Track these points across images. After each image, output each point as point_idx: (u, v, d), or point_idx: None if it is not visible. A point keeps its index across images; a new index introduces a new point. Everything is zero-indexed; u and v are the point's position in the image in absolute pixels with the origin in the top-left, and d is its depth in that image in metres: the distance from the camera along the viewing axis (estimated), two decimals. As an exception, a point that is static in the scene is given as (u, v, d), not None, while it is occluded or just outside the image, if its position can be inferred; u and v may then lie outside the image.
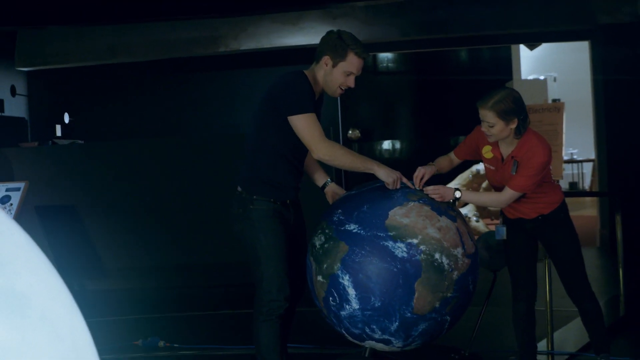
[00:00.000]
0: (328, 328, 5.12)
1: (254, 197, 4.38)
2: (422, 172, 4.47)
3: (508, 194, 4.44)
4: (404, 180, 4.33)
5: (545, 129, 14.16)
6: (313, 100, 4.34)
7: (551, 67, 17.85)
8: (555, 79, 17.87)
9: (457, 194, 4.40)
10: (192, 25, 9.80)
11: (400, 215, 4.16)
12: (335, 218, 4.27)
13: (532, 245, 4.73)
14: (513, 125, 4.36)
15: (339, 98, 10.32)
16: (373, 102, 18.13)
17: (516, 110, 4.36)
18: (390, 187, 4.27)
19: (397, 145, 18.46)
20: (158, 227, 8.43)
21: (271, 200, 4.39)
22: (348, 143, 13.56)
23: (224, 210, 4.87)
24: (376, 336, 4.24)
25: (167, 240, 8.43)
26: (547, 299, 5.32)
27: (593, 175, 16.17)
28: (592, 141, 15.40)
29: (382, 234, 4.11)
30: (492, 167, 4.62)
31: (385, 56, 17.89)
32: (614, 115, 9.64)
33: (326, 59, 4.34)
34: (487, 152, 4.62)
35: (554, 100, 16.57)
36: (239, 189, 4.47)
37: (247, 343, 5.46)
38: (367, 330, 4.21)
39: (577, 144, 16.97)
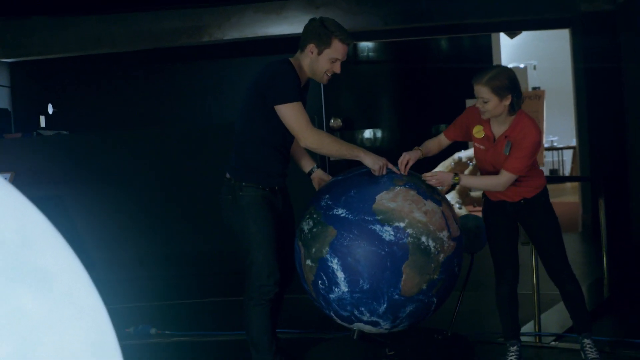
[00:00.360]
0: (315, 313, 5.22)
1: (243, 183, 4.44)
2: (407, 158, 4.55)
3: (505, 177, 4.51)
4: (390, 166, 4.39)
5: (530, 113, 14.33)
6: (299, 89, 4.39)
7: (531, 55, 17.93)
8: (535, 67, 17.95)
9: (457, 179, 4.52)
10: (176, 15, 9.78)
11: (387, 199, 4.23)
12: (323, 203, 4.33)
13: (512, 227, 4.80)
14: (507, 102, 4.44)
15: (321, 87, 10.40)
16: (354, 91, 18.17)
17: (510, 87, 4.43)
18: (376, 173, 4.34)
19: (379, 134, 18.51)
20: (145, 217, 8.45)
21: (260, 187, 4.45)
22: (330, 132, 13.58)
23: (213, 199, 4.91)
24: (364, 318, 4.30)
25: (154, 230, 8.45)
26: (534, 282, 5.41)
27: (573, 162, 16.28)
28: (572, 128, 15.55)
29: (369, 218, 4.18)
30: (482, 147, 4.68)
31: (366, 45, 17.93)
32: (594, 103, 9.72)
33: (311, 47, 4.40)
34: (478, 131, 4.68)
35: (534, 88, 16.66)
36: (228, 175, 4.53)
37: (237, 329, 5.53)
38: (356, 312, 4.28)
39: (557, 132, 17.06)
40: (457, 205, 12.34)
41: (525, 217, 4.75)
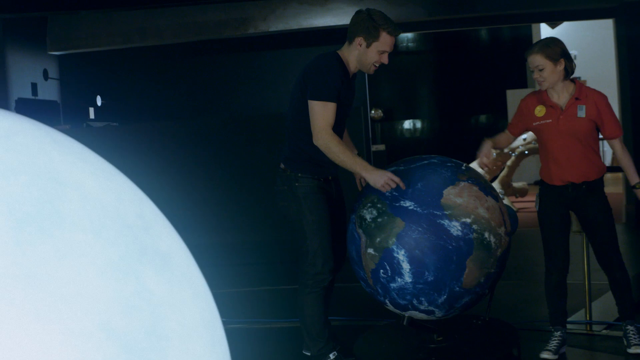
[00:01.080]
0: (363, 300, 5.32)
1: (299, 174, 4.53)
2: (484, 154, 4.86)
3: (618, 142, 4.76)
4: (396, 179, 4.31)
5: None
6: (339, 88, 4.43)
7: (571, 45, 17.77)
8: (575, 57, 17.88)
9: (633, 184, 4.78)
10: (221, 8, 9.89)
11: (453, 194, 4.31)
12: (387, 194, 4.38)
13: (566, 216, 4.88)
14: (561, 67, 4.63)
15: (366, 79, 10.47)
16: (394, 82, 18.22)
17: (561, 52, 4.64)
18: (382, 190, 4.35)
19: (418, 124, 18.55)
20: (198, 207, 8.56)
21: (315, 177, 4.53)
22: (372, 122, 13.61)
23: (266, 189, 5.00)
24: (422, 307, 4.39)
25: (208, 219, 8.56)
26: (585, 271, 5.46)
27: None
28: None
29: (438, 213, 4.26)
30: (549, 121, 4.76)
31: (405, 36, 17.96)
32: (639, 92, 9.71)
33: (359, 40, 4.48)
34: (540, 111, 4.82)
35: (575, 78, 16.59)
36: (282, 166, 4.61)
37: (291, 317, 5.65)
38: (415, 301, 4.35)
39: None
40: (500, 196, 12.35)
41: (582, 202, 4.80)
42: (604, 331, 5.21)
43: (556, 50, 4.64)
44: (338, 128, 4.50)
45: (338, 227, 4.66)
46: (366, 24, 4.48)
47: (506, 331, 4.96)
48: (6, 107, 9.25)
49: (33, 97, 10.14)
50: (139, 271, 1.33)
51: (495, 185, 12.51)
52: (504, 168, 12.81)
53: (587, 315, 5.43)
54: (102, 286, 1.24)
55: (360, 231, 4.46)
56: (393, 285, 4.37)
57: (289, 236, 4.81)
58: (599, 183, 4.80)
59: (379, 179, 4.30)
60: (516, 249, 7.82)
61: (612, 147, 4.78)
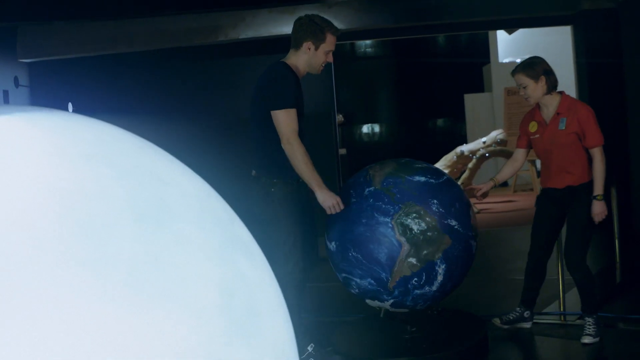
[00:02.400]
0: (332, 298, 5.57)
1: (274, 180, 4.74)
2: (480, 188, 5.41)
3: (597, 152, 5.13)
4: (341, 206, 4.66)
5: (524, 111, 14.56)
6: (296, 93, 4.73)
7: (526, 50, 18.22)
8: (530, 62, 18.24)
9: (597, 194, 5.11)
10: (192, 16, 10.01)
11: (472, 216, 4.84)
12: (434, 208, 4.62)
13: (557, 217, 5.35)
14: (542, 83, 5.14)
15: (333, 85, 10.69)
16: (354, 88, 18.48)
17: (541, 70, 5.15)
18: (327, 210, 4.68)
19: (377, 128, 18.84)
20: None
21: (289, 182, 4.74)
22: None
23: (239, 194, 5.18)
24: (417, 307, 4.81)
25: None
26: (559, 266, 5.84)
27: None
28: (569, 122, 15.81)
29: (470, 234, 4.71)
30: (537, 136, 5.28)
31: (364, 42, 18.25)
32: (596, 97, 10.03)
33: (308, 45, 4.77)
34: (532, 126, 5.35)
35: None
36: (254, 173, 4.82)
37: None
38: (421, 303, 4.76)
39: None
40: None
41: (567, 204, 5.23)
42: (578, 321, 5.54)
43: (537, 69, 5.15)
44: (301, 125, 4.76)
45: (307, 229, 4.92)
46: (312, 29, 4.77)
47: (474, 322, 5.36)
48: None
49: (5, 105, 10.18)
50: (234, 257, 1.55)
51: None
52: (464, 170, 13.13)
53: (561, 307, 5.79)
54: (209, 269, 1.46)
55: (403, 239, 4.60)
56: (417, 292, 4.65)
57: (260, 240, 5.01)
58: (584, 188, 5.17)
59: (329, 200, 4.63)
60: (483, 248, 8.16)
61: (592, 155, 5.15)
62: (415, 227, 4.59)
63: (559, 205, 5.27)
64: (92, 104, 10.76)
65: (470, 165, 12.91)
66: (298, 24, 4.85)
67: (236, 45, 9.85)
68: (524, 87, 5.20)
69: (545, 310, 5.88)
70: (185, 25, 10.11)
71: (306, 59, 4.81)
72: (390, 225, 4.60)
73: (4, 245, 1.21)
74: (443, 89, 18.02)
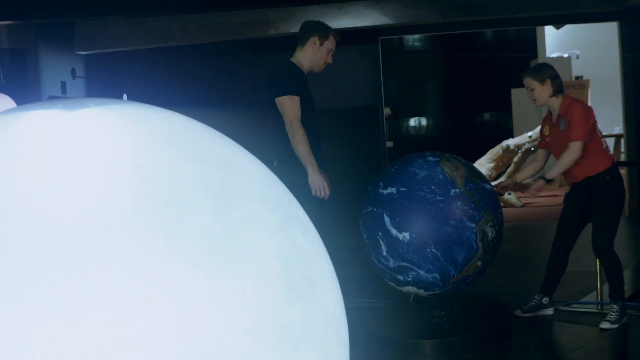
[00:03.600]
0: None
1: (294, 168, 5.11)
2: (504, 183, 5.86)
3: (571, 146, 5.41)
4: (327, 192, 5.10)
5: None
6: (301, 84, 5.24)
7: (573, 45, 18.23)
8: (577, 57, 18.26)
9: (548, 177, 5.47)
10: (244, 10, 10.24)
11: None
12: (499, 218, 5.19)
13: (583, 209, 5.64)
14: (548, 86, 5.57)
15: (381, 79, 10.88)
16: (401, 81, 18.60)
17: (548, 75, 5.60)
18: (313, 193, 5.06)
19: (424, 122, 18.95)
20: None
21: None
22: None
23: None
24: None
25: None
26: (596, 258, 5.97)
27: (615, 149, 16.57)
28: (614, 117, 15.77)
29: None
30: (549, 139, 5.69)
31: (412, 36, 18.35)
32: (642, 91, 10.14)
33: (314, 39, 5.37)
34: (546, 130, 5.76)
35: (577, 78, 16.96)
36: (275, 164, 5.18)
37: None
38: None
39: (599, 120, 17.32)
40: (507, 191, 12.76)
41: (592, 194, 5.53)
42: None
43: (544, 73, 5.59)
44: (312, 119, 5.27)
45: (325, 213, 5.21)
46: (318, 27, 5.43)
47: (500, 308, 5.62)
48: (39, 104, 9.57)
49: (63, 95, 10.54)
50: (293, 232, 1.77)
51: (503, 180, 12.92)
52: (510, 164, 13.24)
53: (598, 297, 5.96)
54: (272, 242, 1.68)
55: (480, 244, 4.98)
56: (463, 286, 5.18)
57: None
58: (603, 176, 5.47)
59: (318, 182, 5.06)
60: (528, 240, 8.32)
61: (568, 146, 5.48)
62: (490, 235, 5.01)
63: (584, 198, 5.60)
64: (145, 95, 11.01)
65: (515, 159, 13.02)
66: (305, 23, 5.52)
67: (287, 39, 10.03)
68: (532, 90, 5.61)
69: (582, 300, 6.06)
70: (237, 19, 10.33)
71: (311, 53, 5.38)
72: (474, 230, 4.94)
73: (100, 217, 1.44)
74: (490, 83, 18.07)
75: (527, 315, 5.83)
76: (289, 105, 5.12)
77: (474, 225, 4.92)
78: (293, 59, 5.46)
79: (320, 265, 1.84)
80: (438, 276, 4.96)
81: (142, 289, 1.38)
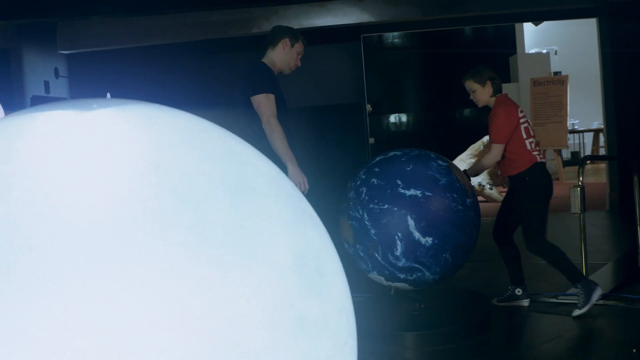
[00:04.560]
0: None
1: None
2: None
3: (493, 148, 5.72)
4: (306, 187, 5.30)
5: (550, 101, 14.78)
6: (274, 83, 5.39)
7: (552, 41, 18.37)
8: (556, 52, 18.40)
9: (468, 174, 5.70)
10: (226, 9, 10.27)
11: None
12: None
13: (510, 201, 5.97)
14: (488, 87, 5.80)
15: (364, 76, 10.94)
16: (382, 78, 18.67)
17: (487, 77, 5.83)
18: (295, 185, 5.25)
19: (404, 118, 19.03)
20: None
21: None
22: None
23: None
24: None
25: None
26: (583, 251, 6.09)
27: (594, 144, 16.71)
28: (593, 112, 15.90)
29: None
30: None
31: (393, 33, 18.43)
32: (620, 86, 10.24)
33: (286, 40, 5.55)
34: None
35: (556, 73, 17.09)
36: None
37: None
38: None
39: (578, 115, 17.52)
40: (488, 186, 12.87)
41: (515, 191, 5.86)
42: (600, 301, 5.80)
43: (483, 76, 5.83)
44: (285, 119, 5.42)
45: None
46: (289, 30, 5.62)
47: (478, 300, 5.84)
48: (22, 103, 9.64)
49: (46, 94, 10.54)
50: (303, 228, 1.83)
51: (484, 176, 13.03)
52: (491, 160, 13.32)
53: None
54: (285, 236, 1.73)
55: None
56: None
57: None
58: (522, 177, 5.73)
59: (298, 177, 5.25)
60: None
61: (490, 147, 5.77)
62: None
63: (512, 192, 5.92)
64: (128, 94, 11.02)
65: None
66: (276, 27, 5.67)
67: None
68: (473, 92, 5.86)
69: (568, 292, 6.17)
70: (219, 18, 10.36)
71: (283, 54, 5.55)
72: (476, 239, 5.35)
73: (119, 214, 1.49)
74: (468, 79, 18.17)
75: (501, 304, 6.05)
76: (265, 103, 5.25)
77: (477, 234, 5.30)
78: (264, 60, 5.59)
79: (330, 259, 1.90)
80: (438, 277, 5.13)
81: (163, 283, 1.43)
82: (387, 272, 5.16)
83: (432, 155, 5.31)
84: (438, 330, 5.23)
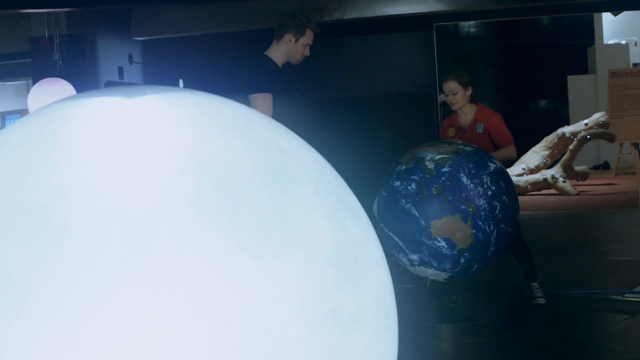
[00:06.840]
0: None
1: None
2: None
3: (512, 147, 5.99)
4: None
5: (629, 93, 14.45)
6: (274, 79, 5.35)
7: (632, 32, 17.97)
8: (636, 43, 17.99)
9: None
10: (298, -3, 10.31)
11: None
12: None
13: None
14: (469, 92, 6.04)
15: (436, 66, 10.86)
16: (456, 68, 18.52)
17: (470, 80, 6.06)
18: None
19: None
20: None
21: None
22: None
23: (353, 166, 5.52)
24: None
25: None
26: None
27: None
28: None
29: None
30: (456, 139, 5.98)
31: (467, 22, 18.24)
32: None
33: (289, 36, 5.48)
34: (451, 131, 6.22)
35: (635, 65, 16.72)
36: None
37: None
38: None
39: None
40: (562, 179, 12.68)
41: None
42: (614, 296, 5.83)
43: (467, 79, 6.04)
44: (288, 116, 5.23)
45: None
46: (294, 22, 5.50)
47: (515, 294, 5.97)
48: (97, 89, 9.74)
49: (120, 80, 10.71)
50: (345, 218, 1.81)
51: (557, 168, 12.84)
52: (565, 152, 13.13)
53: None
54: (324, 227, 1.72)
55: None
56: None
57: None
58: None
59: None
60: (582, 229, 8.30)
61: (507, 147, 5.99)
62: None
63: None
64: (201, 81, 11.13)
65: (571, 147, 12.91)
66: (282, 18, 5.58)
67: (341, 25, 10.09)
68: (454, 94, 6.02)
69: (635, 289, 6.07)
70: (292, 5, 10.38)
71: (286, 49, 5.49)
72: None
73: (159, 202, 1.50)
74: (546, 70, 17.92)
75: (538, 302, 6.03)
76: (262, 104, 5.19)
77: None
78: (267, 53, 5.55)
79: (371, 251, 1.87)
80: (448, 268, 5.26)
81: (201, 273, 1.43)
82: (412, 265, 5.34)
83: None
84: (474, 322, 5.31)
